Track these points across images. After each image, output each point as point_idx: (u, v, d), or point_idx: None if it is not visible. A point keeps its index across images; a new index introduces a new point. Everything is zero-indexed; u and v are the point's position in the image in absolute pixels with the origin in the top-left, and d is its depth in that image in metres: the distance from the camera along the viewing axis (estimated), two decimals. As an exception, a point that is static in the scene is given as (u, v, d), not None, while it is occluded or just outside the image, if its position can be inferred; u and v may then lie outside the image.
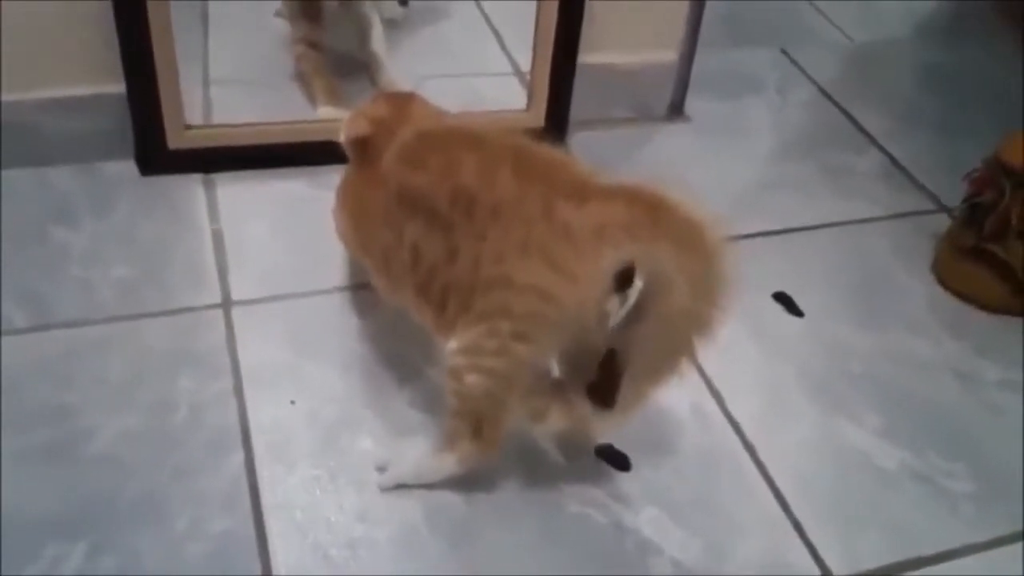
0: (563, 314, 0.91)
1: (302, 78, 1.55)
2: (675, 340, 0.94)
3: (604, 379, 0.98)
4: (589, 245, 0.89)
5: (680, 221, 0.89)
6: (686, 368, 0.98)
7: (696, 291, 0.89)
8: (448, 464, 1.06)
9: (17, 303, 1.22)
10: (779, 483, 1.13)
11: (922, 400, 1.25)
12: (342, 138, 1.14)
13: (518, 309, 0.92)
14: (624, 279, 0.88)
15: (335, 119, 1.23)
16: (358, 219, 1.13)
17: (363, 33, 1.56)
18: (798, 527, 1.09)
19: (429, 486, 1.07)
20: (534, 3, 1.49)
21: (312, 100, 1.54)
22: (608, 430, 1.08)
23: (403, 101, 1.16)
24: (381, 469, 1.09)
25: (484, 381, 0.97)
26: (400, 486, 1.07)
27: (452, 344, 0.98)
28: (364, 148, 1.12)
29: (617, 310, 0.89)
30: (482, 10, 1.80)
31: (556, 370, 1.04)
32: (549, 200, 0.91)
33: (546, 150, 0.99)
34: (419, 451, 1.08)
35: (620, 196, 0.91)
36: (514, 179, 0.94)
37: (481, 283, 0.94)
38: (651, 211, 0.89)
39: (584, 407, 1.01)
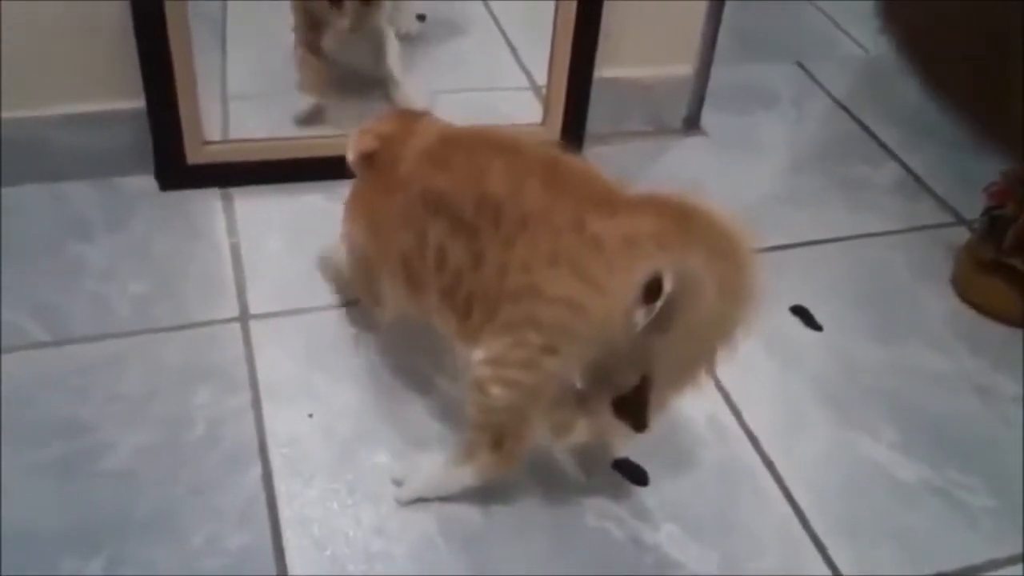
0: (592, 327, 0.91)
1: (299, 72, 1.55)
2: (700, 349, 0.94)
3: (636, 402, 0.98)
4: (619, 257, 0.89)
5: (710, 230, 0.88)
6: (705, 378, 0.97)
7: (725, 300, 0.88)
8: (466, 476, 1.06)
9: (34, 317, 1.23)
10: (797, 497, 1.12)
11: (940, 414, 1.24)
12: (349, 156, 1.14)
13: (547, 320, 0.92)
14: (653, 290, 0.87)
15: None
16: (373, 229, 1.13)
17: (378, 50, 1.57)
18: (817, 542, 1.08)
19: (446, 499, 1.07)
20: (550, 17, 1.50)
21: (300, 88, 1.54)
22: (629, 442, 1.08)
23: (412, 117, 1.16)
24: (398, 483, 1.09)
25: (509, 394, 0.97)
26: (418, 500, 1.07)
27: (478, 354, 0.97)
28: (372, 163, 1.12)
29: (643, 321, 0.88)
30: (498, 25, 1.81)
31: (579, 382, 1.04)
32: (579, 211, 0.91)
33: (575, 161, 0.99)
34: (436, 464, 1.08)
35: (649, 207, 0.91)
36: (543, 189, 0.94)
37: (508, 292, 0.94)
38: (681, 221, 0.89)
39: (608, 419, 1.00)
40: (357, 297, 1.27)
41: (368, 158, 1.12)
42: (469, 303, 0.98)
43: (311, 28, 1.51)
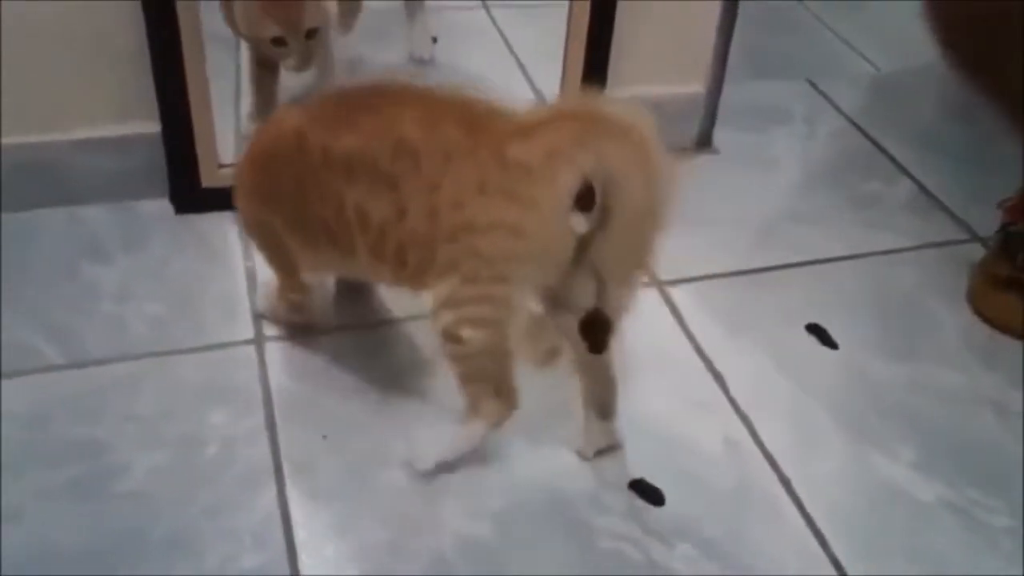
0: (534, 244, 0.96)
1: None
2: (639, 238, 0.98)
3: (597, 324, 1.00)
4: (543, 170, 0.94)
5: (617, 124, 0.93)
6: (647, 271, 1.02)
7: (647, 183, 0.93)
8: (477, 429, 1.09)
9: (50, 339, 1.24)
10: (815, 516, 1.11)
11: (958, 432, 1.23)
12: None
13: (488, 250, 0.96)
14: (585, 196, 0.93)
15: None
16: (275, 205, 1.13)
17: (321, 79, 1.56)
18: (835, 562, 1.07)
19: (461, 516, 1.07)
20: (561, 36, 1.50)
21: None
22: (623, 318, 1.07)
23: (288, 106, 1.16)
24: (413, 462, 1.10)
25: (480, 333, 1.00)
26: (440, 464, 1.10)
27: (430, 299, 1.00)
28: (264, 140, 1.14)
29: (582, 226, 0.94)
30: (508, 44, 1.82)
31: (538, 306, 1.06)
32: (497, 143, 0.95)
33: (482, 99, 1.01)
34: (444, 428, 1.12)
35: (559, 120, 0.97)
36: (459, 129, 0.97)
37: (443, 232, 0.97)
38: (589, 123, 0.94)
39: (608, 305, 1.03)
40: (298, 319, 1.28)
41: (257, 139, 1.15)
42: (401, 253, 1.00)
43: (262, 65, 1.52)
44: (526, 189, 0.95)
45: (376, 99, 1.05)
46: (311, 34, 1.35)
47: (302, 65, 1.37)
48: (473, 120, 0.99)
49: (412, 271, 1.01)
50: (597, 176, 0.92)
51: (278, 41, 1.34)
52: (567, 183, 0.93)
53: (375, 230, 1.01)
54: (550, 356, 1.10)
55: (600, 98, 0.96)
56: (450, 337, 1.02)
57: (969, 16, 0.79)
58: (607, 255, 0.98)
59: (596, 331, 1.01)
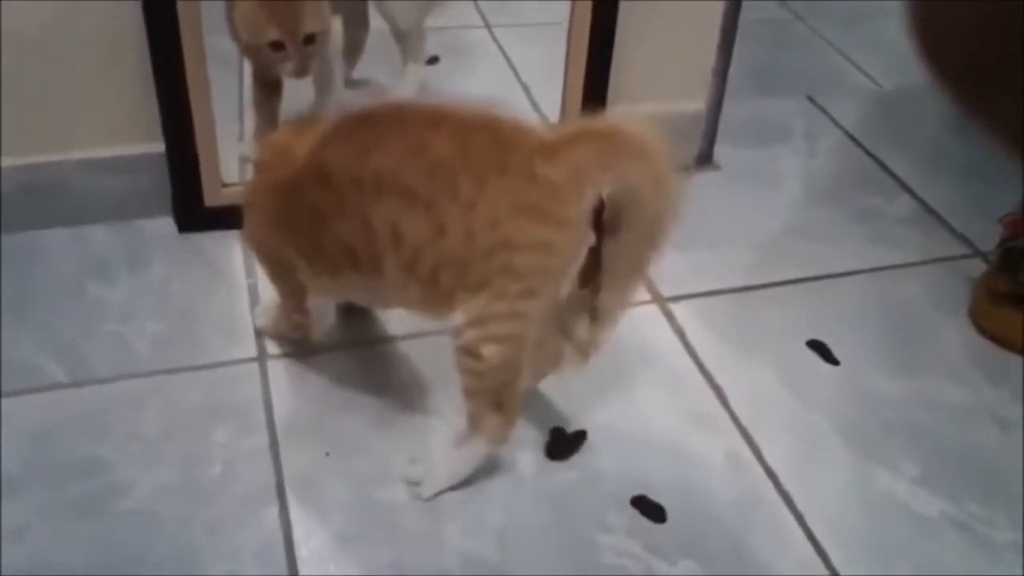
0: (563, 260, 1.01)
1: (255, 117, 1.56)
2: (648, 243, 1.04)
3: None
4: (571, 189, 0.98)
5: (635, 142, 0.98)
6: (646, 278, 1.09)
7: (657, 193, 0.99)
8: (478, 448, 1.10)
9: (55, 358, 1.24)
10: (816, 532, 1.11)
11: (960, 447, 1.23)
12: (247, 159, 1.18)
13: (522, 267, 0.99)
14: (601, 210, 1.00)
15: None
16: (289, 229, 1.13)
17: (321, 87, 1.56)
18: (837, 578, 1.07)
19: (463, 532, 1.07)
20: (562, 55, 1.51)
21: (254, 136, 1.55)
22: (606, 342, 1.12)
23: (303, 127, 1.16)
24: (416, 483, 1.11)
25: (500, 349, 1.02)
26: (440, 492, 1.10)
27: (457, 318, 1.01)
28: (272, 168, 1.13)
29: (591, 239, 1.01)
30: (510, 63, 1.83)
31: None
32: (527, 161, 0.98)
33: (506, 118, 1.02)
34: (447, 451, 1.13)
35: (582, 138, 1.00)
36: (490, 147, 0.99)
37: (479, 252, 0.98)
38: (610, 142, 0.99)
39: (582, 331, 1.10)
40: (297, 336, 1.28)
41: (264, 166, 1.15)
42: (435, 273, 1.01)
43: (263, 86, 1.53)
44: (557, 207, 0.98)
45: (401, 119, 1.05)
46: (309, 40, 1.36)
47: (300, 71, 1.38)
48: (502, 138, 1.00)
49: (443, 291, 1.01)
50: (616, 193, 0.99)
51: (276, 46, 1.35)
52: (590, 201, 0.98)
53: (410, 249, 1.01)
54: (554, 362, 1.13)
55: (620, 116, 1.01)
56: (469, 354, 1.03)
57: (955, 28, 0.79)
58: (610, 265, 1.04)
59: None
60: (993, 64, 0.77)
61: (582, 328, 1.10)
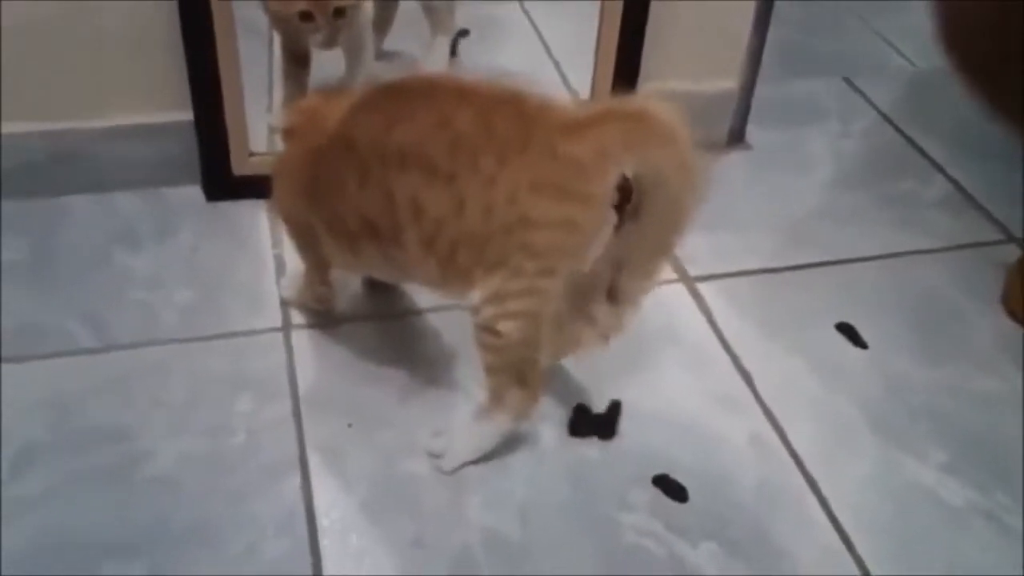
0: (585, 238, 1.00)
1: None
2: (670, 226, 1.03)
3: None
4: (594, 167, 0.97)
5: (660, 125, 0.97)
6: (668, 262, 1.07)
7: (680, 178, 0.99)
8: (501, 423, 1.10)
9: (81, 324, 1.25)
10: (842, 519, 1.10)
11: (989, 436, 1.21)
12: (280, 128, 1.18)
13: (542, 245, 0.98)
14: (623, 189, 0.99)
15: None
16: (315, 198, 1.12)
17: (352, 60, 1.55)
18: (861, 565, 1.06)
19: (485, 508, 1.07)
20: (594, 31, 1.49)
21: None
22: (627, 325, 1.12)
23: (334, 93, 1.18)
24: (437, 456, 1.11)
25: (517, 326, 1.02)
26: (464, 464, 1.10)
27: (475, 296, 1.01)
28: (301, 136, 1.13)
29: (614, 219, 1.00)
30: (542, 39, 1.81)
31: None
32: (549, 138, 0.97)
33: (532, 94, 1.01)
34: (469, 425, 1.12)
35: (608, 117, 0.99)
36: (513, 125, 0.98)
37: (497, 227, 0.98)
38: (635, 123, 0.98)
39: (603, 313, 1.09)
40: (321, 308, 1.28)
41: (294, 132, 1.14)
42: (454, 248, 1.01)
43: (292, 58, 1.52)
44: (579, 185, 0.97)
45: (427, 92, 1.04)
46: (339, 13, 1.36)
47: (329, 43, 1.38)
48: (526, 114, 0.99)
49: (460, 268, 1.01)
50: (640, 176, 0.99)
51: (306, 16, 1.35)
52: (613, 180, 0.98)
53: (430, 222, 1.00)
54: (573, 344, 1.12)
55: (648, 99, 1.00)
56: (488, 331, 1.03)
57: (977, 20, 0.78)
58: (633, 247, 1.04)
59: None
60: (1010, 60, 0.75)
61: (603, 310, 1.09)
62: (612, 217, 1.00)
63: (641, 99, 1.00)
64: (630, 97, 1.04)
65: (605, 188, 0.97)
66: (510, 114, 0.99)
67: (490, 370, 1.07)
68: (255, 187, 1.46)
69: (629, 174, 0.99)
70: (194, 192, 1.47)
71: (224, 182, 1.46)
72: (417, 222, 1.01)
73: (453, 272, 1.02)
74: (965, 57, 0.80)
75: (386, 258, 1.08)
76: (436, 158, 0.99)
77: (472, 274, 1.01)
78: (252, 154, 1.45)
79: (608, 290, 1.07)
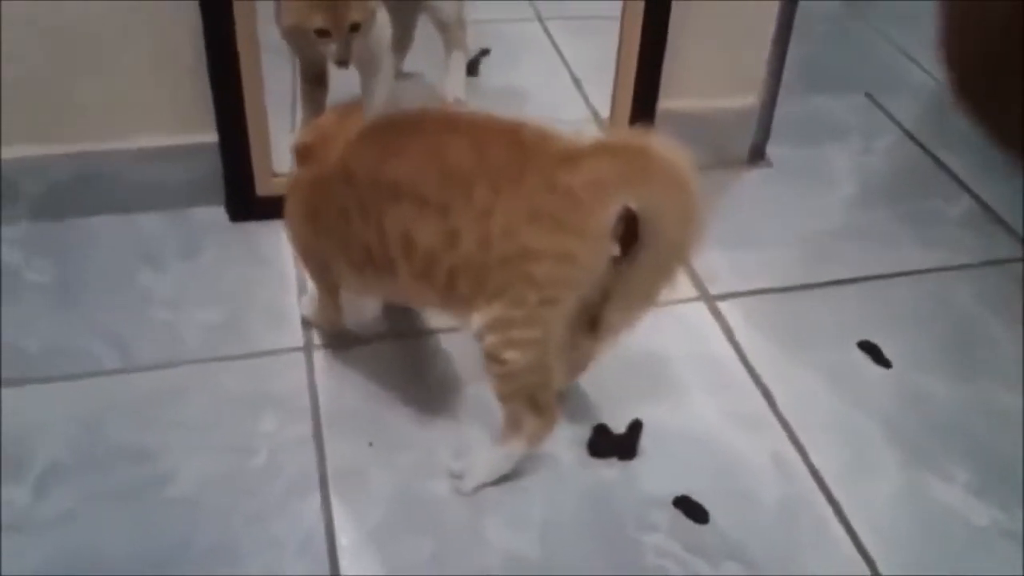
0: (583, 270, 0.99)
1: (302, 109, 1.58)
2: (664, 267, 1.03)
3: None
4: (592, 200, 0.96)
5: (661, 163, 0.96)
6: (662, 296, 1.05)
7: (679, 222, 0.98)
8: (518, 448, 1.10)
9: (105, 344, 1.26)
10: (864, 540, 1.09)
11: (1014, 455, 1.20)
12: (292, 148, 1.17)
13: (541, 276, 0.98)
14: (626, 222, 0.98)
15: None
16: (319, 223, 1.13)
17: (367, 80, 1.55)
18: (884, 586, 1.05)
19: (505, 531, 1.07)
20: (614, 49, 1.50)
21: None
22: (601, 355, 1.15)
23: (347, 111, 1.17)
24: (457, 477, 1.11)
25: (522, 354, 1.02)
26: (484, 485, 1.11)
27: (476, 321, 1.01)
28: (312, 157, 1.13)
29: (615, 250, 1.00)
30: (562, 57, 1.82)
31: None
32: (547, 170, 0.96)
33: (529, 124, 1.01)
34: (488, 449, 1.12)
35: (607, 152, 0.99)
36: (508, 156, 0.98)
37: (495, 259, 0.98)
38: (635, 159, 0.97)
39: (583, 342, 1.09)
40: (330, 328, 1.29)
41: (307, 153, 1.14)
42: (452, 279, 1.01)
43: (310, 79, 1.54)
44: (575, 218, 0.97)
45: (423, 125, 1.05)
46: (354, 28, 1.37)
47: (343, 58, 1.39)
48: (522, 144, 0.99)
49: (463, 294, 1.01)
50: (639, 212, 0.97)
51: (322, 33, 1.37)
52: (611, 215, 0.97)
53: (422, 256, 1.01)
54: (585, 361, 1.14)
55: (648, 134, 0.98)
56: (494, 359, 1.03)
57: (984, 55, 0.78)
58: (624, 281, 1.02)
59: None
60: (1012, 90, 0.75)
61: (582, 340, 1.08)
62: (614, 249, 0.99)
63: (646, 135, 0.98)
64: (636, 131, 1.03)
65: (602, 221, 0.96)
66: (505, 144, 0.99)
67: (501, 397, 1.07)
68: (279, 208, 1.47)
69: (634, 210, 0.97)
70: (218, 213, 1.49)
71: (248, 203, 1.47)
72: (407, 256, 1.02)
73: (454, 299, 1.03)
74: (965, 78, 0.80)
75: (387, 285, 1.10)
76: (428, 190, 0.99)
77: (473, 301, 1.01)
78: (276, 175, 1.46)
79: (590, 320, 1.05)
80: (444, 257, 1.00)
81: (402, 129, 1.06)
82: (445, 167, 0.99)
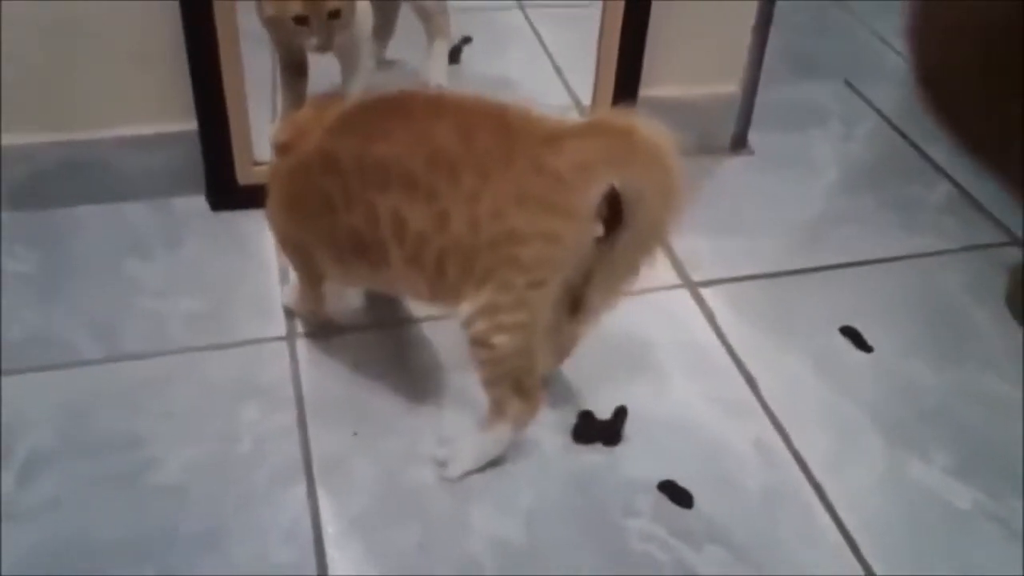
0: (569, 251, 1.00)
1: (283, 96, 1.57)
2: (643, 248, 1.03)
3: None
4: (577, 181, 0.97)
5: (644, 143, 0.97)
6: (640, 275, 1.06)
7: (661, 201, 0.99)
8: (504, 432, 1.10)
9: (89, 334, 1.26)
10: (847, 523, 1.10)
11: (996, 439, 1.21)
12: (271, 142, 1.17)
13: (528, 259, 0.98)
14: (610, 203, 0.99)
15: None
16: (304, 214, 1.13)
17: (348, 68, 1.55)
18: (867, 569, 1.06)
19: (490, 517, 1.07)
20: (595, 36, 1.50)
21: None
22: (582, 338, 1.16)
23: (325, 103, 1.16)
24: (442, 464, 1.11)
25: (510, 339, 1.02)
26: (469, 472, 1.11)
27: (465, 308, 1.01)
28: (291, 150, 1.12)
29: (599, 231, 1.00)
30: (543, 44, 1.81)
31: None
32: (533, 152, 0.97)
33: (514, 106, 1.01)
34: (474, 435, 1.13)
35: (592, 131, 1.01)
36: (494, 139, 0.98)
37: (484, 242, 0.98)
38: (619, 139, 0.98)
39: (565, 325, 1.10)
40: (313, 319, 1.29)
41: (285, 149, 1.14)
42: (441, 262, 1.01)
43: (289, 68, 1.53)
44: (562, 198, 0.98)
45: (407, 108, 1.05)
46: (334, 15, 1.37)
47: (323, 46, 1.39)
48: (507, 127, 0.99)
49: (451, 281, 1.02)
50: (623, 192, 0.98)
51: (301, 20, 1.36)
52: (595, 196, 0.98)
53: (413, 239, 1.01)
54: (571, 343, 1.14)
55: (632, 115, 0.99)
56: (481, 344, 1.03)
57: (977, 68, 0.77)
58: (606, 262, 1.03)
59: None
60: (991, 103, 0.75)
61: (565, 323, 1.09)
62: (598, 229, 1.00)
63: (630, 116, 0.98)
64: (620, 112, 1.03)
65: (588, 202, 0.97)
66: (491, 127, 0.99)
67: (487, 382, 1.08)
68: (260, 197, 1.46)
69: (618, 190, 0.98)
70: (200, 202, 1.48)
71: (229, 192, 1.46)
72: (400, 239, 1.02)
73: (442, 286, 1.03)
74: (940, 97, 0.79)
75: (375, 274, 1.09)
76: (416, 174, 0.99)
77: (462, 288, 1.01)
78: (256, 163, 1.46)
79: (572, 302, 1.06)
80: (434, 240, 1.00)
81: (386, 112, 1.06)
82: (432, 150, 0.99)
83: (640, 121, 0.97)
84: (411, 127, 1.02)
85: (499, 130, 0.99)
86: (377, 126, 1.04)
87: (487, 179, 0.97)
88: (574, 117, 1.60)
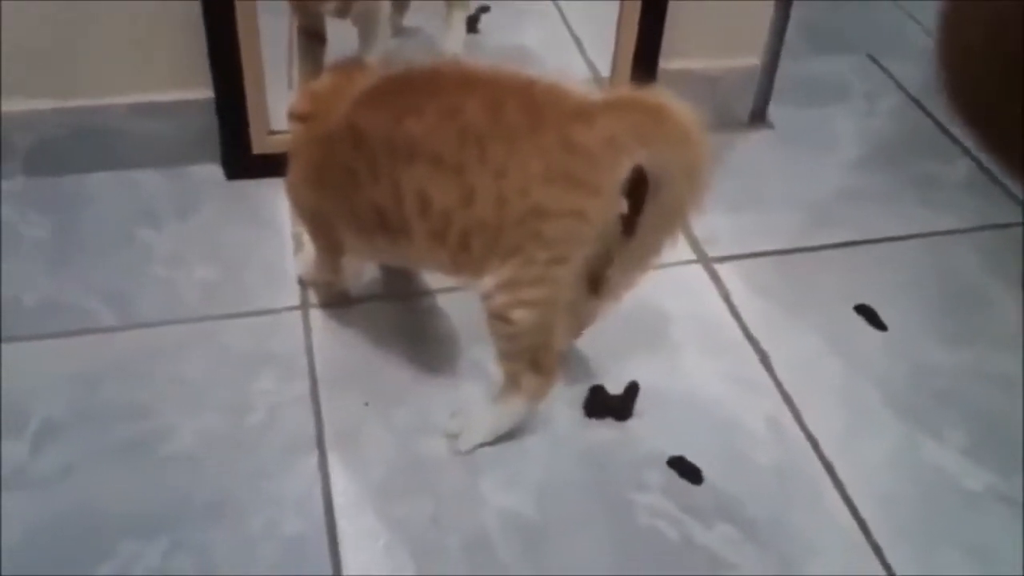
0: (595, 227, 0.99)
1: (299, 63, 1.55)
2: (668, 225, 1.03)
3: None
4: (605, 158, 0.96)
5: (672, 121, 0.96)
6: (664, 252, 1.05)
7: (687, 179, 0.98)
8: (517, 406, 1.10)
9: (104, 302, 1.26)
10: (858, 502, 1.10)
11: (1010, 419, 1.20)
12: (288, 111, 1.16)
13: (553, 234, 0.98)
14: (635, 180, 0.98)
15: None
16: (327, 186, 1.12)
17: (366, 35, 1.52)
18: (877, 549, 1.06)
19: (501, 489, 1.07)
20: (616, 9, 1.48)
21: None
22: (603, 316, 1.15)
23: (350, 72, 1.15)
24: (454, 435, 1.11)
25: (530, 314, 1.02)
26: (481, 445, 1.11)
27: (487, 282, 1.01)
28: (313, 120, 1.11)
29: (623, 207, 0.99)
30: (563, 16, 1.80)
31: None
32: (561, 127, 0.96)
33: (543, 80, 1.00)
34: (486, 408, 1.13)
35: (622, 107, 0.99)
36: (522, 114, 0.97)
37: (510, 219, 0.97)
38: (648, 116, 0.97)
39: (584, 304, 1.09)
40: (335, 287, 1.28)
41: (303, 118, 1.13)
42: (465, 238, 1.00)
43: (307, 35, 1.52)
44: (589, 175, 0.97)
45: (436, 83, 1.04)
46: None
47: (343, 11, 1.37)
48: (535, 102, 0.98)
49: (475, 256, 1.01)
50: (649, 170, 0.97)
51: None
52: (623, 172, 0.96)
53: (438, 215, 1.00)
54: (589, 319, 1.14)
55: (661, 92, 0.98)
56: (501, 318, 1.03)
57: (994, 56, 0.75)
58: (633, 239, 1.03)
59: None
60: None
61: (584, 301, 1.09)
62: (623, 206, 0.99)
63: (660, 93, 0.97)
64: (649, 89, 1.01)
65: (615, 179, 0.97)
66: (519, 102, 0.98)
67: (503, 357, 1.07)
68: (275, 165, 1.45)
69: (644, 167, 0.97)
70: (215, 170, 1.48)
71: (244, 160, 1.46)
72: (424, 216, 1.01)
73: (465, 261, 1.02)
74: (970, 108, 0.77)
75: (397, 248, 1.08)
76: (443, 149, 0.98)
77: (485, 263, 1.01)
78: (272, 132, 1.45)
79: (592, 281, 1.06)
80: (459, 216, 0.99)
81: (415, 87, 1.05)
82: (459, 125, 0.98)
83: (670, 98, 0.96)
84: (441, 102, 1.00)
85: (527, 105, 0.98)
86: (407, 101, 1.02)
87: (514, 155, 0.96)
88: (593, 91, 1.59)
